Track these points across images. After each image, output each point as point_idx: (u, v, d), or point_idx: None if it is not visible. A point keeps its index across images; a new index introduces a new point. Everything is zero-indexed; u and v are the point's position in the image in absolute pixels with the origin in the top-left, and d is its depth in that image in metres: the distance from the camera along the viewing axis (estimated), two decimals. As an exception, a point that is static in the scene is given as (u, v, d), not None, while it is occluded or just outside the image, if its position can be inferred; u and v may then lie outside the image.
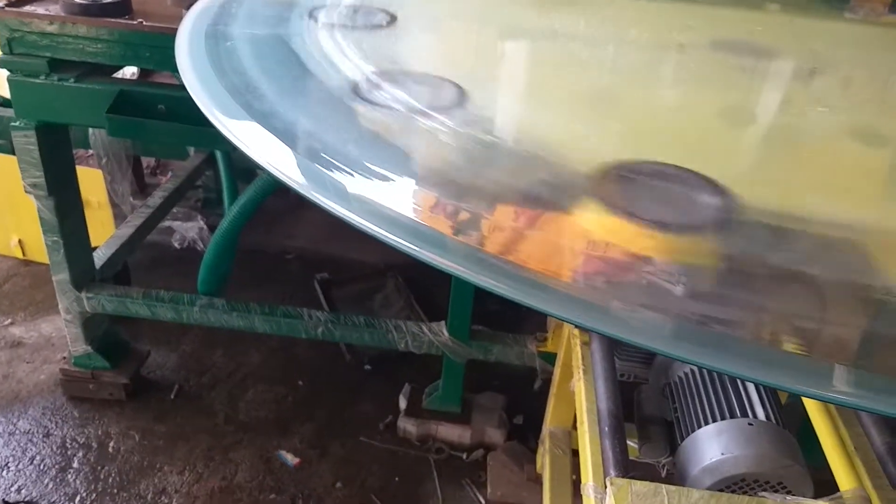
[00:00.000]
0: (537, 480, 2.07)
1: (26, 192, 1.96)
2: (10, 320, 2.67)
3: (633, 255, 0.87)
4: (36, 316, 2.68)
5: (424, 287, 2.86)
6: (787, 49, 1.70)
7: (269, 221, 3.14)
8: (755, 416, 1.37)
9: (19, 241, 2.96)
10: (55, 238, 2.04)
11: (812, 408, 1.34)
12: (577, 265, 0.89)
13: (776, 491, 1.28)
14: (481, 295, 1.53)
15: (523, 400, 2.34)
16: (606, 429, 1.28)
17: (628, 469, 1.21)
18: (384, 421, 2.30)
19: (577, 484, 1.92)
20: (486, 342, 2.10)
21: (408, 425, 2.22)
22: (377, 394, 2.40)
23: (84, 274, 2.16)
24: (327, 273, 2.92)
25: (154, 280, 2.81)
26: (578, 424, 1.42)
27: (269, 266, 2.99)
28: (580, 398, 1.45)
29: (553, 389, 1.94)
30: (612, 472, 1.20)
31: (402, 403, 2.27)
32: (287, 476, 2.12)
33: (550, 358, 2.02)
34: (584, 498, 1.25)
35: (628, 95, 1.45)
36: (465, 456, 2.20)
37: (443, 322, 2.08)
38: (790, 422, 1.36)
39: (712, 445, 1.31)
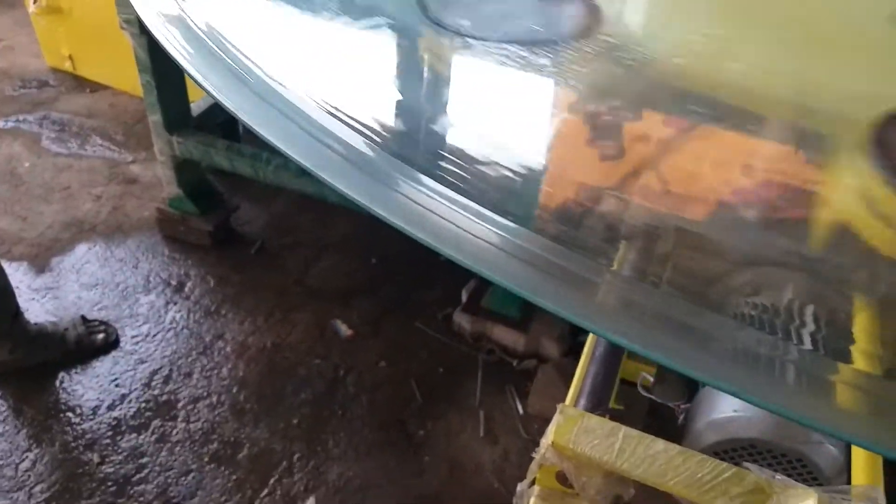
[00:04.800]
0: (582, 402, 1.92)
1: (121, 27, 2.00)
2: (132, 158, 2.85)
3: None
4: (156, 157, 2.83)
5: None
6: None
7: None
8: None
9: (70, 57, 3.23)
10: (148, 78, 2.09)
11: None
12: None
13: (795, 469, 1.06)
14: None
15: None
16: (598, 353, 1.11)
17: (604, 402, 1.05)
18: (443, 312, 2.23)
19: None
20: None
21: (462, 320, 2.14)
22: (445, 284, 2.32)
23: (178, 118, 2.22)
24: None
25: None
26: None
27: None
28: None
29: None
30: (582, 402, 1.04)
31: (463, 297, 2.18)
32: (336, 346, 2.14)
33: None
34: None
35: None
36: (515, 363, 2.09)
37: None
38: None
39: (728, 399, 1.10)
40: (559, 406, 0.95)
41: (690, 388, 1.22)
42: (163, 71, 2.09)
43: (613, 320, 0.79)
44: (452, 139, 1.20)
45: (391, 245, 2.49)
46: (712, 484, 0.85)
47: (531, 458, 1.00)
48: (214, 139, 2.22)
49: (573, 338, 2.11)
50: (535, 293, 0.75)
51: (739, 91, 1.17)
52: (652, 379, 1.26)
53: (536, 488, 0.98)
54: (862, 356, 0.72)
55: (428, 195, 0.96)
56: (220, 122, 2.51)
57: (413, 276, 2.38)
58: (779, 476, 0.88)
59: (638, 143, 1.11)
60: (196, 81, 1.33)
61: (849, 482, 0.99)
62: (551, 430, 0.91)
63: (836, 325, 0.81)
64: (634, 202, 1.03)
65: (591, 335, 1.22)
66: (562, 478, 0.92)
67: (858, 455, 0.98)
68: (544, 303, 0.74)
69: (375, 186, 0.98)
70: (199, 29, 1.46)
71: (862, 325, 0.82)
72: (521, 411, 1.98)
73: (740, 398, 0.69)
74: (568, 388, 1.97)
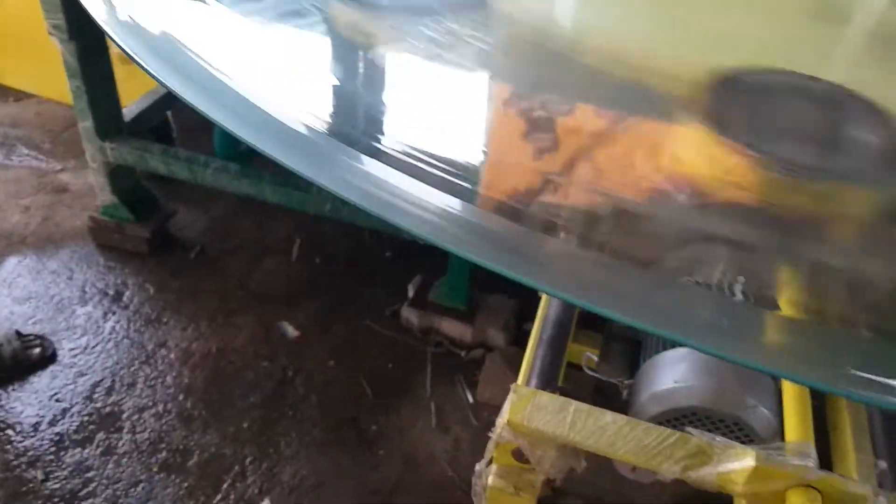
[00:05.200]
0: (529, 389, 1.98)
1: (49, 33, 1.95)
2: (61, 167, 2.77)
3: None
4: (87, 165, 2.75)
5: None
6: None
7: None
8: (733, 348, 1.20)
9: None
10: (78, 84, 2.04)
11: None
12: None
13: (732, 433, 1.13)
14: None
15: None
16: (545, 337, 1.16)
17: (553, 382, 1.09)
18: (391, 308, 2.25)
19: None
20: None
21: (410, 315, 2.16)
22: (391, 281, 2.33)
23: (109, 124, 2.17)
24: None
25: (206, 142, 2.79)
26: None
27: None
28: (542, 303, 1.32)
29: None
30: (533, 382, 1.08)
31: (410, 293, 2.21)
32: (283, 347, 2.13)
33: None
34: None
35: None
36: (463, 354, 2.13)
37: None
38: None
39: (669, 372, 1.16)
40: (512, 385, 0.99)
41: (633, 365, 1.28)
42: (93, 76, 2.04)
43: (565, 281, 0.83)
44: (389, 130, 1.20)
45: (334, 245, 2.49)
46: (658, 449, 0.90)
47: (483, 445, 1.04)
48: (149, 143, 2.19)
49: (518, 327, 2.16)
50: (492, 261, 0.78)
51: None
52: (596, 359, 1.31)
53: (494, 466, 1.02)
54: (788, 306, 0.79)
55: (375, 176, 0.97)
56: (154, 127, 2.47)
57: (358, 274, 2.39)
58: (719, 438, 0.94)
59: (571, 135, 1.16)
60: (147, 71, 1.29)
61: (783, 441, 1.06)
62: (506, 408, 0.95)
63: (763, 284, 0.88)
64: (571, 193, 1.07)
65: (536, 322, 1.26)
66: (518, 454, 0.96)
67: (791, 416, 1.05)
68: (506, 270, 0.77)
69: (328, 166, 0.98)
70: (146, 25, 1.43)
71: (786, 281, 0.88)
72: (470, 400, 2.02)
73: (685, 346, 0.75)
74: (515, 375, 2.02)
